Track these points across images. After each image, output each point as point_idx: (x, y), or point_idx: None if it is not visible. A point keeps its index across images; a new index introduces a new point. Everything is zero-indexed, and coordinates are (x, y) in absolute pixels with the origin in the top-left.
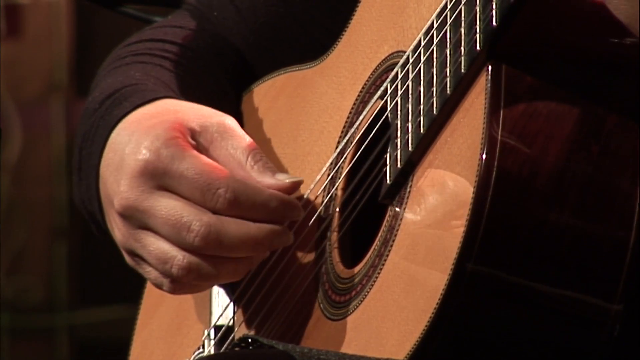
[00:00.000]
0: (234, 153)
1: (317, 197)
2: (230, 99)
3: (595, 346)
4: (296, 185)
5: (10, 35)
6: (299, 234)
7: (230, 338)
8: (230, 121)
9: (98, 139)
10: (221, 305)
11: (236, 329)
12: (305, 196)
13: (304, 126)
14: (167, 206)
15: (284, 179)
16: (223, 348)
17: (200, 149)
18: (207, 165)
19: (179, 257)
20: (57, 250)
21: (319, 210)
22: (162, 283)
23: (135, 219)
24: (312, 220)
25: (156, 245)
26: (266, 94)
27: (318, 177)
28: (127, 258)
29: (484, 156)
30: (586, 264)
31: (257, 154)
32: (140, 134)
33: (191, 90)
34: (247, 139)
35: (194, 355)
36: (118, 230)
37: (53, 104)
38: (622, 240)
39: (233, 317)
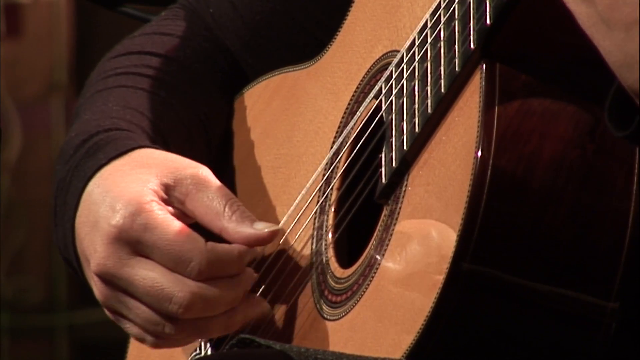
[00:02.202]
0: (210, 204)
1: (312, 197)
2: (220, 107)
3: (591, 344)
4: (275, 234)
5: (10, 35)
6: (295, 234)
7: (228, 339)
8: (204, 171)
9: (73, 190)
10: None
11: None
12: (300, 196)
13: (298, 127)
14: (146, 277)
15: (262, 229)
16: (220, 349)
17: (175, 203)
18: (179, 235)
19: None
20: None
21: (314, 210)
22: (144, 338)
23: (115, 284)
24: (308, 220)
25: (142, 310)
26: (260, 95)
27: (313, 177)
28: (108, 312)
29: (479, 154)
30: (582, 262)
31: (234, 204)
32: (114, 195)
33: (173, 111)
34: (223, 189)
35: (191, 356)
36: (97, 289)
37: (53, 104)
38: (618, 238)
39: None
